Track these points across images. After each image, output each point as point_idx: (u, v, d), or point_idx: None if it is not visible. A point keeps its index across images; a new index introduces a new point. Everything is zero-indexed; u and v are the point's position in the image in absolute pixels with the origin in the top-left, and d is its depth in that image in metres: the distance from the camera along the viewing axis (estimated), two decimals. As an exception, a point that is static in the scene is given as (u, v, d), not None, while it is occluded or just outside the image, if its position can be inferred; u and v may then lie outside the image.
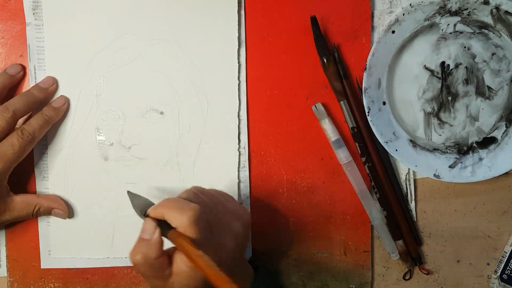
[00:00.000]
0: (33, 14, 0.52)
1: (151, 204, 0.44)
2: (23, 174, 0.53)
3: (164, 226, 0.41)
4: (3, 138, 0.48)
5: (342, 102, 0.53)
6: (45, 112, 0.50)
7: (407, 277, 0.57)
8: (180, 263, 0.41)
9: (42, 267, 0.54)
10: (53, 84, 0.52)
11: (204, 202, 0.43)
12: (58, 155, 0.53)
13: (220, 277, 0.38)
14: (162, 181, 0.54)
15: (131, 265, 0.41)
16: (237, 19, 0.53)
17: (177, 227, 0.40)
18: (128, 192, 0.47)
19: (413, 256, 0.55)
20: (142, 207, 0.45)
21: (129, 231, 0.54)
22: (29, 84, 0.52)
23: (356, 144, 0.54)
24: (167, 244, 0.41)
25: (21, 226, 0.53)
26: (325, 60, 0.52)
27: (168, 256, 0.41)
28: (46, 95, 0.51)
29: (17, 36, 0.52)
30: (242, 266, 0.49)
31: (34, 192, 0.53)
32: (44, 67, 0.52)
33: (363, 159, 0.54)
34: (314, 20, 0.52)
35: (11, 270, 0.54)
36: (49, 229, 0.54)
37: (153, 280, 0.42)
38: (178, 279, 0.41)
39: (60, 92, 0.52)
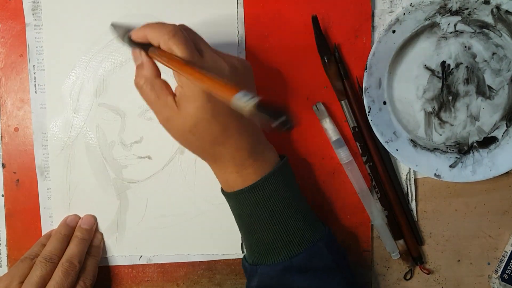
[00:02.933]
0: (33, 14, 0.52)
1: (134, 28, 0.44)
2: (24, 174, 0.53)
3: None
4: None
5: (342, 101, 0.53)
6: (93, 254, 0.53)
7: (407, 277, 0.57)
8: (178, 87, 0.42)
9: (43, 267, 0.54)
10: (93, 222, 0.54)
11: (190, 30, 0.43)
12: (59, 155, 0.53)
13: (212, 79, 0.37)
14: (164, 179, 0.54)
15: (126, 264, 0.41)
16: (236, 17, 0.53)
17: (160, 44, 0.41)
18: (112, 24, 0.46)
19: (414, 255, 0.55)
20: (125, 33, 0.45)
21: (132, 230, 0.54)
22: (29, 84, 0.52)
23: (357, 143, 0.54)
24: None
25: (22, 226, 0.53)
26: (326, 60, 0.52)
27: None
28: (91, 235, 0.53)
29: (17, 36, 0.52)
30: (254, 124, 0.47)
31: (35, 192, 0.53)
32: (43, 67, 0.52)
33: (364, 158, 0.54)
34: (315, 19, 0.51)
35: (11, 270, 0.54)
36: (52, 229, 0.54)
37: (159, 108, 0.43)
38: (180, 102, 0.42)
39: (60, 91, 0.53)
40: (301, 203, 0.48)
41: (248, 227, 0.48)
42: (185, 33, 0.41)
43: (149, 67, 0.43)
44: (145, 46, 0.43)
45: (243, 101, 0.34)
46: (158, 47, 0.41)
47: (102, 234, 0.54)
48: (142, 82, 0.43)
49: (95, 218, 0.54)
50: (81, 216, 0.54)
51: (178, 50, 0.40)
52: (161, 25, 0.41)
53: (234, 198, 0.47)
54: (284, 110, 0.34)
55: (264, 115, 0.34)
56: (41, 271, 0.48)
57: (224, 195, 0.48)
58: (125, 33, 0.44)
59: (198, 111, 0.41)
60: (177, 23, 0.42)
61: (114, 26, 0.46)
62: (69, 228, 0.53)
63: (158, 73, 0.43)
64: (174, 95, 0.43)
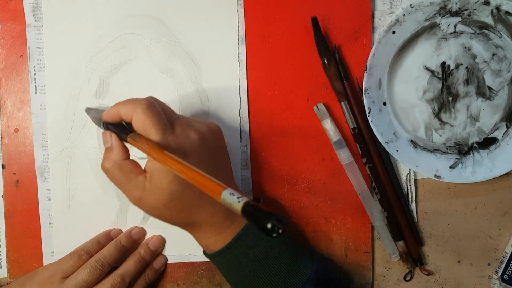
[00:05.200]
0: (33, 15, 0.52)
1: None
2: (24, 175, 0.53)
3: (124, 132, 0.42)
4: None
5: (342, 102, 0.53)
6: (148, 275, 0.52)
7: (407, 278, 0.57)
8: (148, 162, 0.42)
9: (44, 268, 0.54)
10: (161, 246, 0.54)
11: (160, 103, 0.43)
12: (59, 156, 0.53)
13: (186, 168, 0.36)
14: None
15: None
16: (236, 17, 0.53)
17: (132, 121, 0.41)
18: (86, 109, 0.47)
19: (414, 257, 0.55)
20: (98, 116, 0.45)
21: (130, 232, 0.54)
22: (29, 85, 0.52)
23: (357, 144, 0.54)
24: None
25: (22, 227, 0.53)
26: (325, 61, 0.52)
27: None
28: (153, 256, 0.53)
29: (17, 37, 0.52)
30: (229, 183, 0.46)
31: (35, 193, 0.53)
32: (44, 68, 0.52)
33: (364, 159, 0.54)
34: (315, 20, 0.51)
35: (11, 271, 0.54)
36: (52, 230, 0.54)
37: (130, 189, 0.42)
38: (151, 178, 0.41)
39: (60, 92, 0.53)
40: (282, 246, 0.47)
41: (234, 282, 0.48)
42: (157, 106, 0.42)
43: (118, 150, 0.42)
44: (119, 130, 0.43)
45: (230, 201, 0.33)
46: (138, 134, 0.41)
47: (166, 260, 0.54)
48: (110, 165, 0.42)
49: (164, 242, 0.54)
50: (146, 230, 0.54)
51: (151, 124, 0.40)
52: (132, 100, 0.42)
53: (215, 259, 0.47)
54: (273, 214, 0.30)
55: (250, 220, 0.31)
56: (88, 275, 0.47)
57: (206, 256, 0.48)
58: (98, 116, 0.45)
59: (171, 184, 0.41)
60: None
61: (87, 110, 0.47)
62: (131, 241, 0.52)
63: (127, 155, 0.43)
64: (144, 171, 0.43)
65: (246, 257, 0.45)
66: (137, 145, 0.41)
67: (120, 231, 0.53)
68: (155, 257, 0.53)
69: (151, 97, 0.43)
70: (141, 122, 0.40)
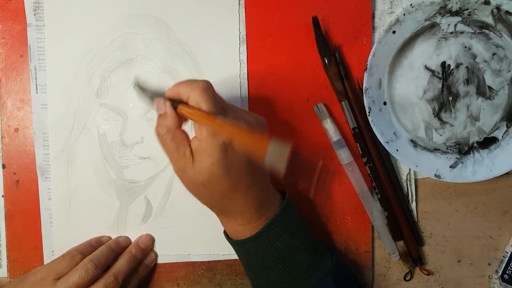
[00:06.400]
0: (34, 15, 0.52)
1: (161, 92, 0.45)
2: (24, 175, 0.53)
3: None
4: None
5: (343, 102, 0.53)
6: (140, 273, 0.53)
7: (407, 278, 0.57)
8: (195, 139, 0.43)
9: (44, 267, 0.54)
10: (151, 244, 0.54)
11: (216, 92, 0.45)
12: (60, 155, 0.53)
13: (243, 128, 0.41)
14: (165, 180, 0.54)
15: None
16: (237, 18, 0.53)
17: (189, 101, 0.42)
18: (136, 84, 0.47)
19: (413, 256, 0.55)
20: (153, 96, 0.46)
21: (133, 231, 0.54)
22: (29, 84, 0.52)
23: (357, 144, 0.54)
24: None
25: (22, 227, 0.53)
26: (326, 61, 0.52)
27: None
28: (144, 255, 0.54)
29: (18, 36, 0.52)
30: (264, 181, 0.48)
31: (35, 193, 0.53)
32: (45, 68, 0.52)
33: (364, 159, 0.54)
34: (315, 20, 0.52)
35: (11, 270, 0.54)
36: (52, 229, 0.54)
37: (176, 158, 0.43)
38: (195, 155, 0.43)
39: (61, 92, 0.53)
40: (305, 239, 0.49)
41: (256, 270, 0.48)
42: (213, 89, 0.43)
43: (172, 117, 0.43)
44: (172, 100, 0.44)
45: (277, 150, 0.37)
46: (186, 104, 0.43)
47: (156, 256, 0.55)
48: (164, 131, 0.43)
49: (153, 240, 0.55)
50: (131, 240, 0.54)
51: (206, 103, 0.41)
52: (191, 81, 0.43)
53: (242, 246, 0.48)
54: None
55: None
56: (80, 277, 0.47)
57: (229, 242, 0.49)
58: (151, 95, 0.46)
59: (213, 166, 0.42)
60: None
61: (137, 86, 0.47)
62: (119, 247, 0.53)
63: (179, 123, 0.44)
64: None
65: (272, 247, 0.46)
66: (188, 113, 0.42)
67: (110, 238, 0.54)
68: (147, 254, 0.54)
69: (208, 81, 0.44)
70: (197, 102, 0.42)
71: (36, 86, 0.52)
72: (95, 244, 0.52)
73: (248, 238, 0.46)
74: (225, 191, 0.44)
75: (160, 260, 0.55)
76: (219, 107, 0.43)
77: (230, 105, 0.45)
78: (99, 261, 0.49)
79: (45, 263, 0.53)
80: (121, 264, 0.50)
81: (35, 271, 0.49)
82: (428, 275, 0.57)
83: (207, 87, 0.42)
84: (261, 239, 0.46)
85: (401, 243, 0.55)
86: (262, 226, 0.46)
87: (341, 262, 0.51)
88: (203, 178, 0.43)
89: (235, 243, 0.48)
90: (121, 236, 0.54)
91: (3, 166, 0.53)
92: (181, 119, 0.44)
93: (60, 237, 0.54)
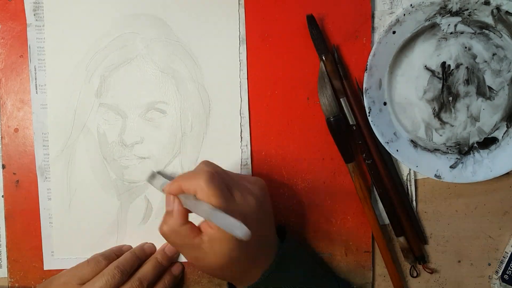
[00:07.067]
0: (34, 15, 0.52)
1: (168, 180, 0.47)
2: (24, 175, 0.53)
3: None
4: None
5: (342, 99, 0.53)
6: (166, 281, 0.53)
7: (414, 275, 0.56)
8: (207, 227, 0.43)
9: (45, 268, 0.54)
10: (176, 252, 0.54)
11: (216, 169, 0.45)
12: (59, 156, 0.53)
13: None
14: (165, 180, 0.54)
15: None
16: (237, 17, 0.53)
17: (196, 193, 0.42)
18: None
19: (416, 254, 0.55)
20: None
21: (133, 231, 0.54)
22: (29, 85, 0.52)
23: (358, 142, 0.53)
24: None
25: (22, 227, 0.53)
26: (323, 58, 0.52)
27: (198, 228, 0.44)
28: (170, 262, 0.54)
29: (17, 36, 0.52)
30: (271, 236, 0.49)
31: (35, 193, 0.53)
32: (45, 68, 0.52)
33: (363, 155, 0.53)
34: (310, 18, 0.51)
35: (11, 270, 0.54)
36: (52, 230, 0.53)
37: (187, 250, 0.44)
38: (209, 244, 0.43)
39: (61, 92, 0.53)
40: (310, 278, 0.49)
41: None
42: (218, 177, 0.43)
43: (178, 216, 0.44)
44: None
45: None
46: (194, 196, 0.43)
47: (183, 267, 0.54)
48: (168, 230, 0.44)
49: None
50: (156, 246, 0.54)
51: (215, 196, 0.41)
52: (194, 173, 0.43)
53: None
54: None
55: None
56: (106, 282, 0.47)
57: None
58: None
59: (231, 252, 0.42)
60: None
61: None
62: (144, 253, 0.52)
63: (185, 221, 0.44)
64: (199, 231, 0.44)
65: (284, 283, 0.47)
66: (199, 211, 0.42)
67: (130, 247, 0.54)
68: (172, 264, 0.54)
69: (209, 166, 0.44)
70: (205, 195, 0.41)
71: (36, 86, 0.52)
72: (117, 252, 0.52)
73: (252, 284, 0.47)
74: (243, 268, 0.45)
75: (160, 260, 0.55)
76: (227, 193, 0.43)
77: (233, 178, 0.46)
78: (125, 267, 0.48)
79: (44, 264, 0.53)
80: (147, 269, 0.50)
81: (59, 275, 0.49)
82: (431, 273, 0.57)
83: (212, 177, 0.42)
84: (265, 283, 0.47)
85: (401, 239, 0.55)
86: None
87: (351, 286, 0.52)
88: (221, 263, 0.43)
89: None
90: (147, 242, 0.54)
91: (3, 166, 0.53)
92: (188, 214, 0.44)
93: (59, 237, 0.53)
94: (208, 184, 0.41)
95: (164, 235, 0.44)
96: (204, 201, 0.42)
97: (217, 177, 0.43)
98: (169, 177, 0.49)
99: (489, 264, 0.57)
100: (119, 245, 0.54)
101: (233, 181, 0.45)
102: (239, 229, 0.39)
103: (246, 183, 0.47)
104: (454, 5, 0.51)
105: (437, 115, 0.54)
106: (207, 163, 0.45)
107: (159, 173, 0.52)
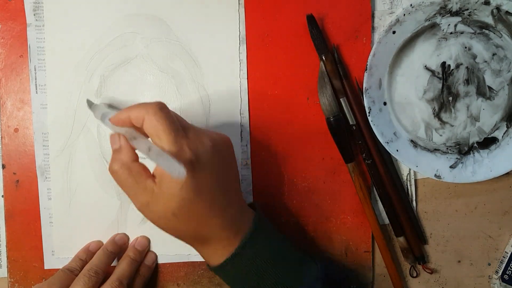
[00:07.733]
0: (34, 14, 0.52)
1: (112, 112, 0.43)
2: (24, 175, 0.53)
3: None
4: None
5: (342, 99, 0.53)
6: (143, 274, 0.52)
7: (414, 275, 0.56)
8: (158, 167, 0.40)
9: (45, 267, 0.54)
10: (147, 245, 0.54)
11: (173, 113, 0.42)
12: (60, 155, 0.53)
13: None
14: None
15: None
16: (237, 17, 0.53)
17: (143, 124, 0.39)
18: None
19: (416, 254, 0.55)
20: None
21: (133, 231, 0.54)
22: (29, 84, 0.52)
23: (358, 141, 0.53)
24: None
25: (22, 227, 0.53)
26: (323, 58, 0.52)
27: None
28: (143, 256, 0.53)
29: (17, 36, 0.52)
30: (236, 194, 0.46)
31: (35, 193, 0.53)
32: (45, 68, 0.52)
33: (363, 155, 0.54)
34: (310, 18, 0.51)
35: (11, 270, 0.54)
36: (52, 229, 0.53)
37: (138, 193, 0.41)
38: (159, 185, 0.40)
39: (61, 92, 0.53)
40: (286, 251, 0.47)
41: None
42: (169, 109, 0.41)
43: (127, 151, 0.41)
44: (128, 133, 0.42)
45: None
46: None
47: (156, 256, 0.54)
48: (118, 167, 0.41)
49: (149, 241, 0.54)
50: (128, 236, 0.54)
51: (164, 126, 0.39)
52: (143, 103, 0.41)
53: (221, 271, 0.46)
54: None
55: None
56: (83, 285, 0.46)
57: (212, 271, 0.47)
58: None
59: (182, 191, 0.39)
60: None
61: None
62: (116, 247, 0.52)
63: (136, 157, 0.42)
64: (153, 176, 0.41)
65: (253, 265, 0.44)
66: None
67: (125, 236, 0.54)
68: (145, 256, 0.54)
69: (161, 102, 0.42)
70: (153, 125, 0.39)
71: (36, 86, 0.52)
72: (83, 255, 0.52)
73: (225, 260, 0.44)
74: (198, 216, 0.41)
75: (160, 260, 0.55)
76: (178, 126, 0.40)
77: (190, 124, 0.43)
78: (98, 267, 0.48)
79: (45, 263, 0.54)
80: (123, 268, 0.50)
81: (37, 287, 0.48)
82: (431, 273, 0.57)
83: (162, 107, 0.40)
84: (240, 258, 0.44)
85: (401, 239, 0.55)
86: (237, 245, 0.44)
87: (325, 267, 0.50)
88: (173, 206, 0.40)
89: (216, 269, 0.46)
90: (118, 234, 0.54)
91: (3, 166, 0.53)
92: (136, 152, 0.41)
93: (60, 237, 0.53)
94: (157, 112, 0.39)
95: (115, 173, 0.41)
96: (144, 137, 0.39)
97: (169, 110, 0.40)
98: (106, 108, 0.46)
99: (489, 264, 0.57)
100: (83, 246, 0.53)
101: (188, 123, 0.43)
102: (173, 166, 0.35)
103: (206, 131, 0.43)
104: (454, 5, 0.51)
105: (437, 115, 0.54)
106: (161, 102, 0.42)
107: (111, 106, 0.47)
